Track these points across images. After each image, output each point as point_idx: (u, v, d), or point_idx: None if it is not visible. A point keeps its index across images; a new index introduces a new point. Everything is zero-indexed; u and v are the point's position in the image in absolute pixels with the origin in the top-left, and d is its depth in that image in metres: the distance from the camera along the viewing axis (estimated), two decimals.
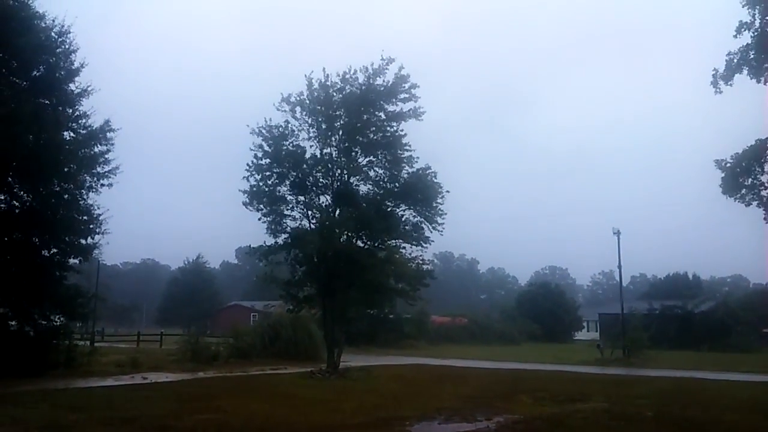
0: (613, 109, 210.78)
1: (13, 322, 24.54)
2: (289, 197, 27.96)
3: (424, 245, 27.98)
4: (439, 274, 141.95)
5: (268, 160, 27.50)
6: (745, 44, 20.86)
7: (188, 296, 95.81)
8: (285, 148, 27.60)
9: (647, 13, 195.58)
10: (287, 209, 27.95)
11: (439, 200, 27.56)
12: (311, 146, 27.97)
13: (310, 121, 27.90)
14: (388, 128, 27.70)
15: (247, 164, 27.56)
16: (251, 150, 27.59)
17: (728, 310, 63.93)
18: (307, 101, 27.67)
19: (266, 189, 27.57)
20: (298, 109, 27.84)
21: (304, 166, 27.59)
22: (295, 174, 27.53)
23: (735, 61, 21.00)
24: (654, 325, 55.21)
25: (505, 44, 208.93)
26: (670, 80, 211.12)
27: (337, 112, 27.53)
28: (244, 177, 27.53)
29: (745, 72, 21.04)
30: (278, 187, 27.81)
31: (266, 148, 27.52)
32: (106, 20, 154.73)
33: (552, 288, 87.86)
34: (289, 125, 27.88)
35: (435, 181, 27.50)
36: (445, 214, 27.59)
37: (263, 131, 27.56)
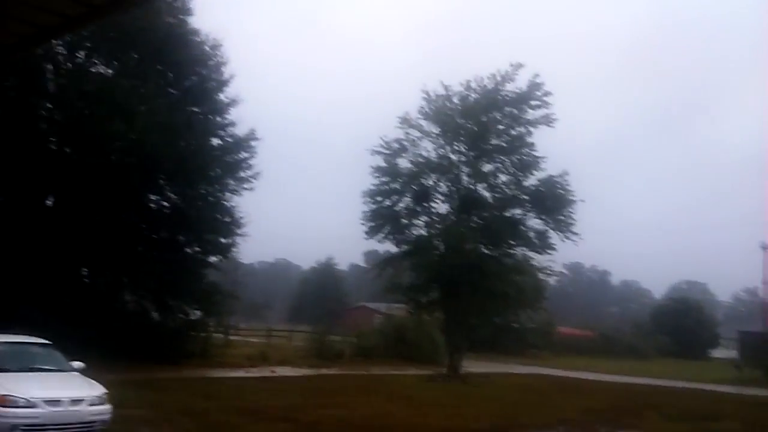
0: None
1: (155, 314, 26.52)
2: (409, 208, 28.34)
3: (549, 253, 27.61)
4: (568, 285, 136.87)
5: (386, 178, 27.98)
6: None
7: (317, 296, 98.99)
8: (405, 160, 28.15)
9: None
10: (408, 220, 28.36)
11: (570, 209, 27.08)
12: (435, 155, 28.28)
13: (432, 130, 28.21)
14: (514, 133, 27.56)
15: (363, 192, 28.21)
16: (370, 173, 28.20)
17: None
18: (429, 111, 27.98)
19: (386, 212, 28.08)
20: (418, 120, 28.24)
21: (425, 176, 27.94)
22: (415, 186, 27.91)
23: None
24: None
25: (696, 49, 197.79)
26: None
27: (461, 120, 27.67)
28: (363, 202, 28.17)
29: None
30: (398, 204, 28.25)
31: (383, 164, 28.02)
32: (256, 33, 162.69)
33: (691, 303, 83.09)
34: (409, 135, 28.29)
35: (567, 188, 27.04)
36: (575, 223, 27.06)
37: (382, 148, 28.14)
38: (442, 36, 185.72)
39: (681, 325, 74.47)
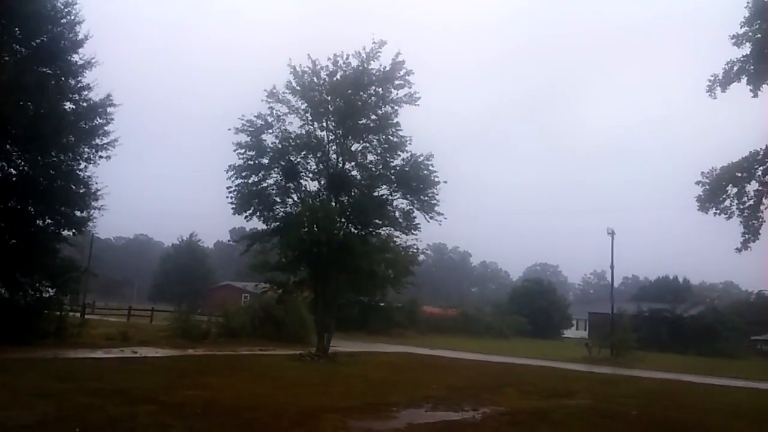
0: (622, 114, 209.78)
1: (3, 291, 24.58)
2: (278, 185, 27.87)
3: (414, 233, 28.12)
4: (431, 266, 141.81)
5: (252, 153, 27.29)
6: (744, 54, 21.07)
7: (181, 274, 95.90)
8: (272, 136, 27.56)
9: (662, 15, 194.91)
10: (277, 197, 27.88)
11: (434, 189, 27.66)
12: (303, 131, 27.88)
13: (300, 106, 27.78)
14: (381, 112, 27.72)
15: (229, 166, 27.25)
16: (234, 150, 27.29)
17: (717, 315, 64.51)
18: (297, 87, 27.52)
19: (253, 188, 27.39)
20: (285, 96, 27.72)
21: (294, 152, 27.52)
22: (284, 162, 27.46)
23: (734, 69, 21.19)
24: (643, 326, 55.61)
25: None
26: (674, 86, 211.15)
27: (328, 97, 27.44)
28: (227, 178, 27.22)
29: (744, 81, 21.24)
30: (266, 180, 27.70)
31: (248, 140, 27.29)
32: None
33: (544, 284, 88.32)
34: (274, 111, 27.71)
35: (431, 170, 27.57)
36: (438, 203, 27.66)
37: (245, 126, 27.38)
38: (321, 22, 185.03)
39: (536, 305, 79.16)
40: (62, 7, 25.24)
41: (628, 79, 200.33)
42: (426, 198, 27.63)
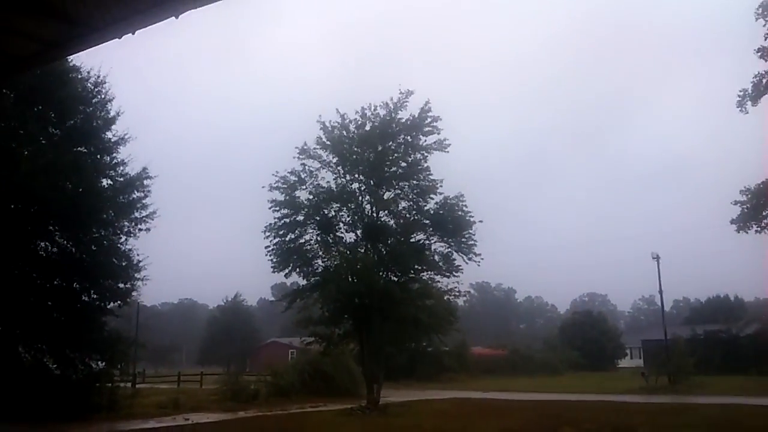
0: (666, 136, 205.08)
1: (54, 367, 24.93)
2: (315, 240, 28.09)
3: (455, 275, 27.96)
4: (476, 306, 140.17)
5: (286, 210, 27.63)
6: None
7: (227, 335, 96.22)
8: (305, 191, 27.99)
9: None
10: (315, 252, 28.07)
11: (470, 230, 27.55)
12: (335, 185, 28.19)
13: (331, 160, 28.17)
14: (410, 159, 27.96)
15: (266, 226, 27.72)
16: (269, 208, 27.72)
17: None
18: (327, 141, 27.95)
19: (291, 245, 27.70)
20: (316, 151, 28.15)
21: (327, 207, 27.82)
22: (319, 217, 27.72)
23: (764, 82, 20.87)
24: (699, 350, 53.67)
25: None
26: (716, 102, 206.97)
27: (358, 149, 27.82)
28: (265, 237, 27.64)
29: None
30: (303, 236, 27.97)
31: (282, 197, 27.67)
32: (142, 71, 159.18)
33: (594, 315, 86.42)
34: (306, 167, 28.14)
35: (465, 210, 27.53)
36: (476, 244, 27.54)
37: (279, 183, 27.81)
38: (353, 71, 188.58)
39: (587, 337, 77.27)
40: (92, 87, 26.15)
41: (672, 101, 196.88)
42: (463, 239, 27.52)
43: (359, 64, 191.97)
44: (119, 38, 6.44)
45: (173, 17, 6.12)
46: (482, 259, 27.68)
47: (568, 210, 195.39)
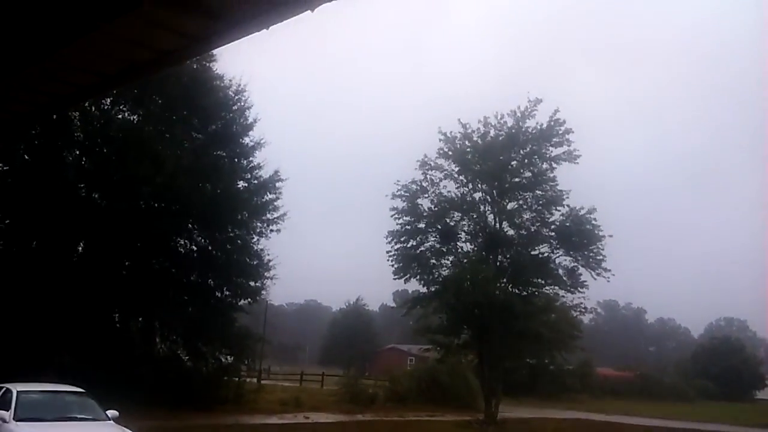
0: None
1: (187, 360, 26.38)
2: (435, 248, 27.96)
3: (580, 291, 26.90)
4: (602, 324, 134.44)
5: (408, 218, 27.74)
6: None
7: (348, 338, 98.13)
8: (426, 200, 28.02)
9: None
10: (434, 259, 27.92)
11: (599, 245, 26.39)
12: (457, 194, 27.97)
13: (453, 170, 27.94)
14: (535, 169, 27.19)
15: (388, 232, 28.00)
16: (391, 216, 27.98)
17: None
18: (449, 152, 27.74)
19: (412, 251, 27.81)
20: (438, 161, 28.08)
21: (449, 216, 27.65)
22: (440, 225, 27.58)
23: None
24: None
25: None
26: None
27: (481, 158, 27.45)
28: (387, 242, 27.93)
29: None
30: (424, 243, 27.97)
31: (404, 206, 27.83)
32: (278, 71, 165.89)
33: (733, 342, 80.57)
34: (428, 176, 28.05)
35: (595, 224, 26.42)
36: (605, 259, 26.37)
37: (401, 192, 27.96)
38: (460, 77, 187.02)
39: (724, 365, 72.16)
40: (233, 94, 27.46)
41: None
42: (591, 254, 26.42)
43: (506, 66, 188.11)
44: (257, 31, 6.66)
45: (308, 10, 6.22)
46: (613, 275, 26.55)
47: (712, 226, 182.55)
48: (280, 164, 28.38)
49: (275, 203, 27.20)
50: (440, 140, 28.03)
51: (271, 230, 27.14)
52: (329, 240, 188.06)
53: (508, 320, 26.14)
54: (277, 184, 27.23)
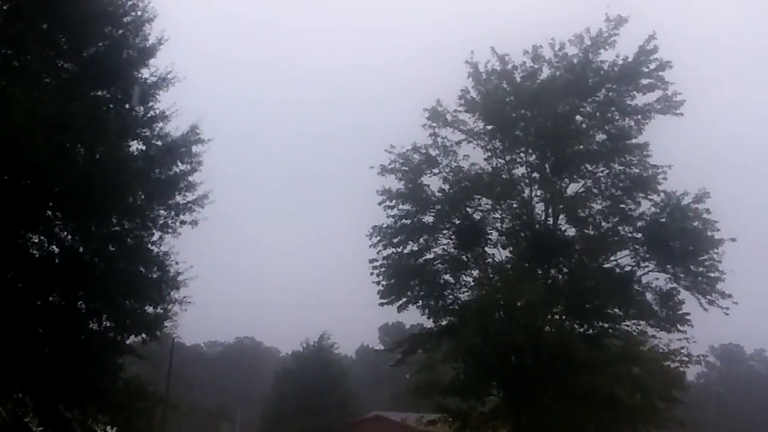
0: None
1: (40, 430, 25.80)
2: (450, 255, 27.91)
3: (681, 329, 26.99)
4: (717, 382, 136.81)
5: (407, 207, 27.93)
6: None
7: (306, 399, 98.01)
8: (437, 178, 28.22)
9: None
10: (450, 275, 27.90)
11: (715, 253, 26.45)
12: (486, 170, 27.82)
13: (480, 129, 27.76)
14: (613, 131, 27.21)
15: (373, 227, 28.05)
16: (380, 203, 28.23)
17: None
18: (477, 98, 27.55)
19: (411, 260, 27.76)
20: (457, 114, 27.93)
21: (472, 203, 27.48)
22: (458, 219, 27.49)
23: None
24: None
25: None
26: None
27: (527, 112, 27.27)
28: (371, 245, 28.05)
29: None
30: (431, 248, 27.89)
31: (401, 187, 27.82)
32: None
33: None
34: (439, 140, 27.85)
35: (707, 218, 26.47)
36: (723, 277, 26.39)
37: (396, 163, 27.73)
38: None
39: None
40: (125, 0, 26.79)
41: None
42: (700, 269, 26.45)
43: None
44: None
45: None
46: (735, 303, 26.61)
47: None
48: (200, 115, 27.51)
49: (190, 178, 26.77)
50: (468, 77, 27.90)
51: (183, 222, 26.76)
52: (279, 238, 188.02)
53: (564, 373, 26.23)
54: (195, 148, 26.78)
